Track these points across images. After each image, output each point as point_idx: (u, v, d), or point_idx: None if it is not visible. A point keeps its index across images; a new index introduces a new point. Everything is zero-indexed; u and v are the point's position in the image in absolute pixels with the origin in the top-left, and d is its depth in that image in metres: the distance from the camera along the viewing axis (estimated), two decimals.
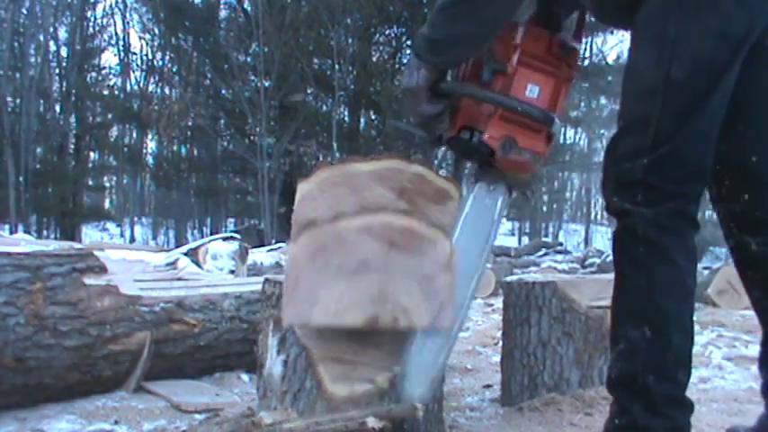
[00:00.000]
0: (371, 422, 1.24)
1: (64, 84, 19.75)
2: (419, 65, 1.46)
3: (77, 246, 3.01)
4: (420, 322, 1.38)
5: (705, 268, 6.02)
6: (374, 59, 17.10)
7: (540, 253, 11.13)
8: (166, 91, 20.45)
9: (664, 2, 1.27)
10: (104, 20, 21.78)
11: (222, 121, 18.07)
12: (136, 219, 22.80)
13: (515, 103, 1.44)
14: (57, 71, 20.13)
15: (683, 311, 1.32)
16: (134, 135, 22.66)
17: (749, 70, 1.30)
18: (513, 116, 1.45)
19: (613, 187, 1.36)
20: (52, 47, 19.89)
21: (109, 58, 31.78)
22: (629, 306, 1.35)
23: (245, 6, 17.16)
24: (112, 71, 22.51)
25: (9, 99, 18.07)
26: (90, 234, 20.87)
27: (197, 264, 4.52)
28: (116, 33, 22.10)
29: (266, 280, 1.65)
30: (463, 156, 1.60)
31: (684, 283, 1.31)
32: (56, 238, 16.35)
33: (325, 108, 17.03)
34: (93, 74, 22.01)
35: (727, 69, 1.26)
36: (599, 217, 23.53)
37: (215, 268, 4.67)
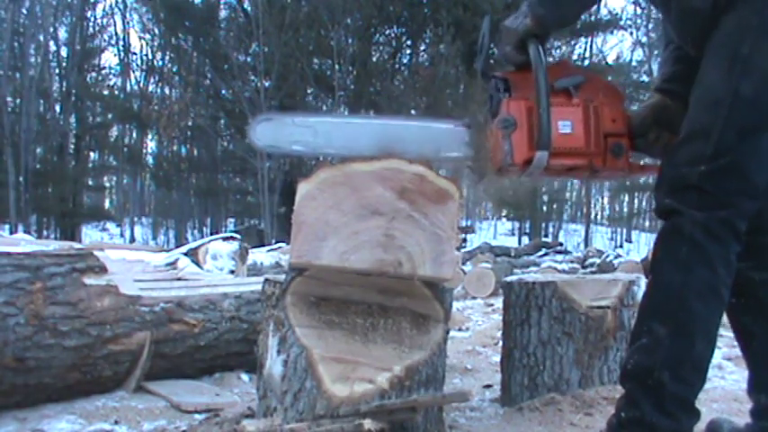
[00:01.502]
0: (368, 425, 1.24)
1: (64, 84, 19.75)
2: (526, 12, 1.48)
3: (77, 246, 3.01)
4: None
5: None
6: (374, 59, 17.10)
7: (540, 253, 11.13)
8: (166, 91, 20.46)
9: (741, 22, 1.31)
10: (104, 20, 21.81)
11: (222, 121, 18.08)
12: (136, 219, 22.80)
13: (545, 109, 1.45)
14: (57, 71, 20.14)
15: (711, 319, 1.34)
16: (134, 135, 22.65)
17: None
18: (535, 117, 1.47)
19: (667, 190, 1.38)
20: (52, 47, 19.91)
21: (109, 58, 31.85)
22: (660, 302, 1.36)
23: (245, 6, 17.17)
24: (112, 71, 22.54)
25: (9, 99, 18.06)
26: (90, 234, 20.87)
27: (197, 264, 4.51)
28: (116, 33, 22.12)
29: (266, 280, 1.65)
30: (488, 95, 1.62)
31: (719, 292, 1.33)
32: (56, 238, 16.35)
33: (325, 108, 17.03)
34: (93, 74, 22.03)
35: None
36: (599, 217, 23.55)
37: (215, 268, 4.66)
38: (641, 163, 1.66)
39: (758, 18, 1.29)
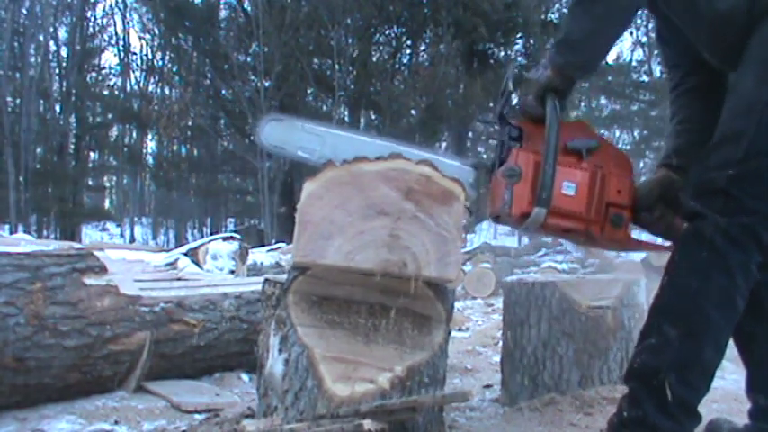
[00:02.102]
0: (368, 425, 1.24)
1: (64, 84, 19.73)
2: (547, 64, 1.48)
3: (77, 246, 3.01)
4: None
5: None
6: (374, 59, 17.09)
7: (540, 253, 11.10)
8: (166, 91, 20.44)
9: None
10: (104, 20, 21.77)
11: (222, 121, 18.06)
12: (136, 219, 22.78)
13: (550, 167, 1.44)
14: (57, 71, 20.11)
15: (724, 327, 1.34)
16: (134, 135, 22.63)
17: None
18: (537, 170, 1.46)
19: (694, 192, 1.38)
20: (52, 47, 19.88)
21: (109, 58, 31.81)
22: (673, 303, 1.36)
23: (245, 6, 17.15)
24: (112, 71, 22.50)
25: (9, 99, 18.04)
26: (90, 234, 20.85)
27: (197, 264, 4.52)
28: (116, 33, 22.10)
29: (266, 280, 1.65)
30: (498, 140, 1.62)
31: (735, 301, 1.32)
32: (56, 238, 16.34)
33: (325, 108, 17.02)
34: (93, 74, 21.99)
35: None
36: None
37: (215, 268, 4.66)
38: (640, 238, 1.64)
39: None
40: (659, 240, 1.66)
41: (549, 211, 1.45)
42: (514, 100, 1.57)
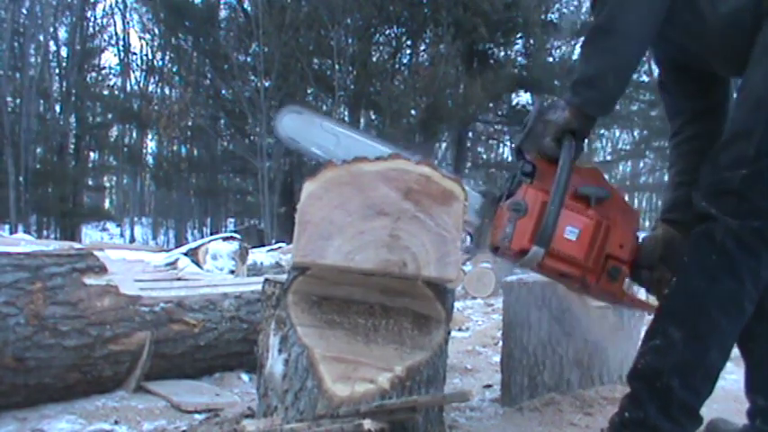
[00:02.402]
0: (368, 425, 1.24)
1: (64, 84, 19.73)
2: (564, 106, 1.47)
3: (77, 246, 3.01)
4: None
5: None
6: (374, 59, 17.08)
7: None
8: (166, 91, 20.44)
9: None
10: (104, 20, 21.77)
11: (222, 121, 18.06)
12: (136, 219, 22.79)
13: (555, 208, 1.43)
14: (57, 71, 20.11)
15: (730, 331, 1.33)
16: (134, 135, 22.62)
17: None
18: (543, 209, 1.45)
19: (706, 193, 1.36)
20: (52, 47, 19.88)
21: (109, 58, 31.81)
22: (680, 306, 1.35)
23: (245, 6, 17.15)
24: (112, 71, 22.50)
25: (9, 99, 18.04)
26: (90, 234, 20.86)
27: (197, 264, 4.52)
28: (116, 33, 22.11)
29: (266, 280, 1.65)
30: (508, 179, 1.61)
31: (742, 305, 1.31)
32: (56, 238, 16.34)
33: (325, 108, 17.01)
34: (93, 74, 21.99)
35: None
36: None
37: (215, 268, 4.66)
38: (635, 295, 1.63)
39: None
40: (652, 300, 1.64)
41: (547, 251, 1.44)
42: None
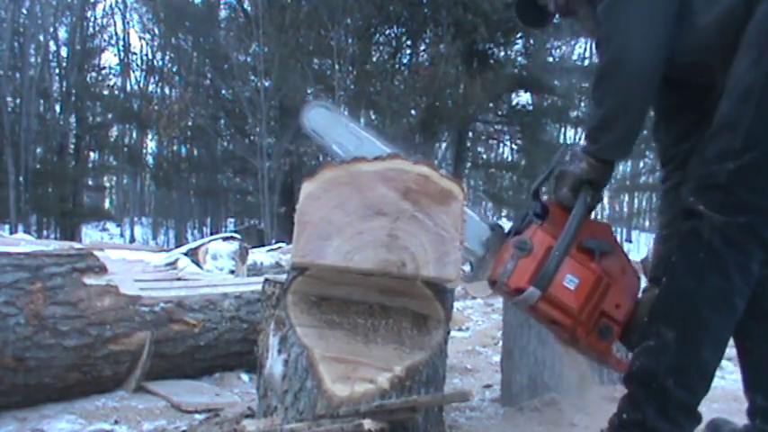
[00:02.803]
0: (368, 425, 1.24)
1: (64, 84, 19.74)
2: (582, 156, 1.46)
3: (77, 246, 3.01)
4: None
5: None
6: (374, 59, 17.09)
7: None
8: (166, 91, 20.45)
9: None
10: (104, 20, 21.79)
11: (222, 121, 18.06)
12: (136, 219, 22.79)
13: (560, 254, 1.43)
14: (57, 71, 20.12)
15: (722, 329, 1.32)
16: (134, 135, 22.64)
17: None
18: (547, 252, 1.44)
19: (693, 187, 1.35)
20: (52, 47, 19.89)
21: (109, 58, 31.76)
22: (671, 306, 1.35)
23: (245, 6, 17.15)
24: (112, 71, 22.51)
25: (9, 99, 18.05)
26: (90, 234, 20.86)
27: (197, 264, 4.52)
28: (116, 33, 22.12)
29: (266, 280, 1.65)
30: (518, 217, 1.60)
31: (733, 302, 1.31)
32: (56, 238, 16.34)
33: None
34: (93, 74, 21.99)
35: None
36: (599, 217, 23.50)
37: (215, 268, 4.66)
38: (621, 358, 1.61)
39: None
40: None
41: (543, 295, 1.43)
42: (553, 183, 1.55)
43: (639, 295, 1.54)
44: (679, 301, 1.33)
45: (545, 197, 1.57)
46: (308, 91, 16.36)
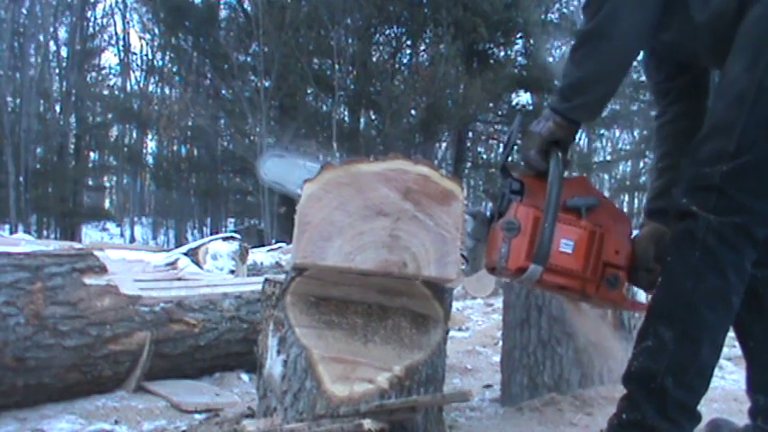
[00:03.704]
0: (368, 425, 1.24)
1: (64, 84, 19.74)
2: (549, 116, 1.46)
3: (77, 246, 3.01)
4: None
5: None
6: (374, 59, 17.08)
7: None
8: (166, 91, 20.46)
9: (765, 12, 1.28)
10: (104, 20, 21.81)
11: (222, 121, 18.07)
12: (136, 219, 22.79)
13: (550, 225, 1.42)
14: (57, 71, 20.12)
15: (719, 327, 1.33)
16: (134, 135, 22.64)
17: None
18: (538, 227, 1.44)
19: (686, 188, 1.35)
20: (52, 47, 19.90)
21: (109, 58, 31.76)
22: (669, 305, 1.35)
23: (245, 6, 17.16)
24: (112, 71, 22.53)
25: (9, 99, 18.05)
26: (90, 234, 20.86)
27: (197, 264, 4.52)
28: (116, 33, 22.13)
29: (266, 280, 1.65)
30: (497, 198, 1.59)
31: (729, 300, 1.31)
32: (56, 238, 16.35)
33: (325, 108, 17.02)
34: (93, 74, 22.01)
35: None
36: None
37: (215, 268, 4.67)
38: (635, 299, 1.63)
39: None
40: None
41: (545, 268, 1.43)
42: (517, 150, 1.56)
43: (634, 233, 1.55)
44: (676, 301, 1.33)
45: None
46: (308, 91, 16.37)
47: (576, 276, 1.47)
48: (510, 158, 1.56)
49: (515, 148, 1.55)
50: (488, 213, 1.60)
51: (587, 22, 1.41)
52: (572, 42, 1.44)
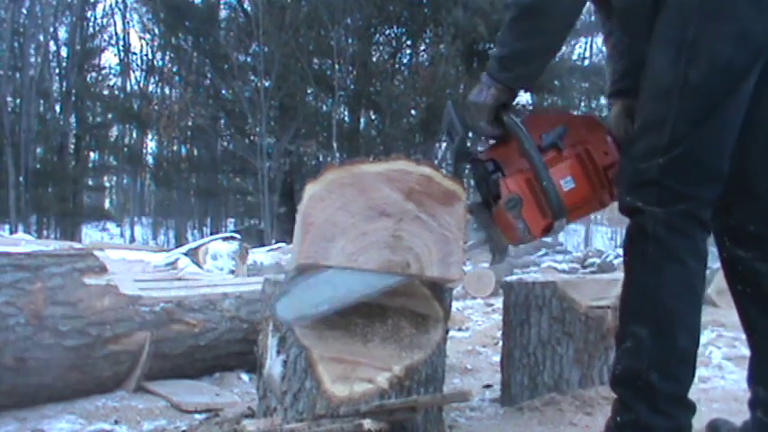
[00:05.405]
0: (368, 425, 1.24)
1: (64, 84, 19.74)
2: (490, 83, 1.48)
3: (77, 246, 3.01)
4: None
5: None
6: (374, 59, 17.09)
7: (540, 253, 11.11)
8: (166, 91, 20.45)
9: (683, 6, 1.29)
10: (104, 20, 21.80)
11: (222, 121, 18.07)
12: (136, 219, 22.79)
13: (547, 178, 1.46)
14: (57, 71, 20.13)
15: (689, 312, 1.34)
16: (134, 135, 22.64)
17: (764, 85, 1.31)
18: (536, 186, 1.48)
19: (627, 186, 1.38)
20: (52, 47, 19.90)
21: (109, 58, 31.78)
22: (637, 304, 1.36)
23: (245, 6, 17.16)
24: (112, 71, 22.52)
25: (9, 99, 18.05)
26: (90, 234, 20.85)
27: (197, 264, 4.52)
28: (116, 33, 22.12)
29: (266, 280, 1.65)
30: (475, 180, 1.62)
31: (692, 284, 1.33)
32: (56, 238, 16.36)
33: (325, 108, 17.02)
34: (93, 74, 22.00)
35: (745, 75, 1.28)
36: (599, 217, 23.52)
37: (215, 268, 4.67)
38: None
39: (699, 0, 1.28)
40: None
41: (567, 216, 1.48)
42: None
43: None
44: (643, 298, 1.34)
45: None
46: (308, 91, 16.38)
47: (592, 198, 1.53)
48: (463, 145, 1.57)
49: (464, 131, 1.56)
50: (476, 202, 1.60)
51: None
52: (510, 10, 1.43)
